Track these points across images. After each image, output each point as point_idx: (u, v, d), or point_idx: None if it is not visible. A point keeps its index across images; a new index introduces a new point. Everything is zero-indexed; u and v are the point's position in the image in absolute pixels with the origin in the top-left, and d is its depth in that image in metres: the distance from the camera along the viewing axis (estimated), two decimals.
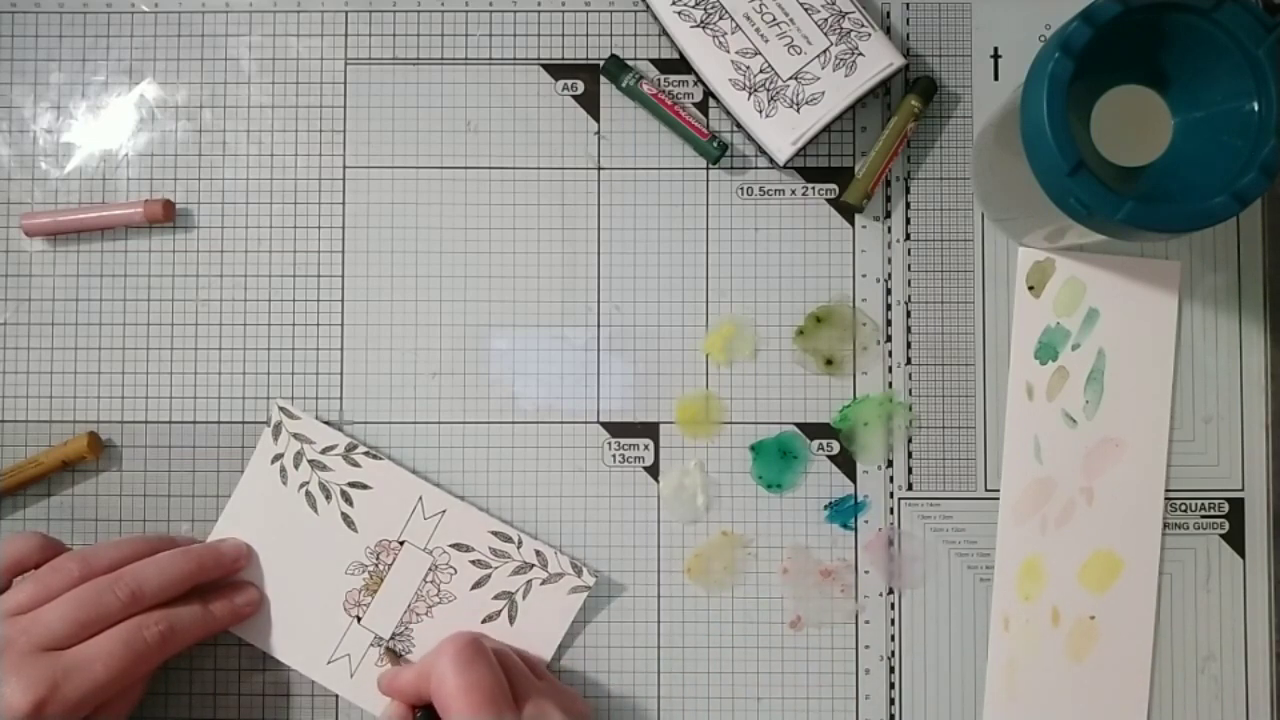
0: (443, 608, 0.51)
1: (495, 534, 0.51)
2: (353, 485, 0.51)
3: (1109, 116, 0.45)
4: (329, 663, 0.51)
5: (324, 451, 0.51)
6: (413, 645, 0.51)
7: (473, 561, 0.51)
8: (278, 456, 0.51)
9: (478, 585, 0.51)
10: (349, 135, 0.53)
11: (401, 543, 0.51)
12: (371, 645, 0.51)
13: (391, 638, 0.51)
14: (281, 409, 0.51)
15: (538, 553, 0.51)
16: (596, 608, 0.52)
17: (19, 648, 0.43)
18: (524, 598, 0.51)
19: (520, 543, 0.51)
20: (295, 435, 0.51)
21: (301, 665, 0.51)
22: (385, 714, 0.48)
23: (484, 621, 0.51)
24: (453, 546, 0.51)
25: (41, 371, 0.52)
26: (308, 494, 0.51)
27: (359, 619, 0.51)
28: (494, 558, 0.51)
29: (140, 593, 0.46)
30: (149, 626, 0.46)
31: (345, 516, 0.51)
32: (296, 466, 0.51)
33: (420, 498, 0.51)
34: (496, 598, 0.51)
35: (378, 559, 0.51)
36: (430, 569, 0.51)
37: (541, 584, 0.51)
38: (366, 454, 0.51)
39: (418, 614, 0.51)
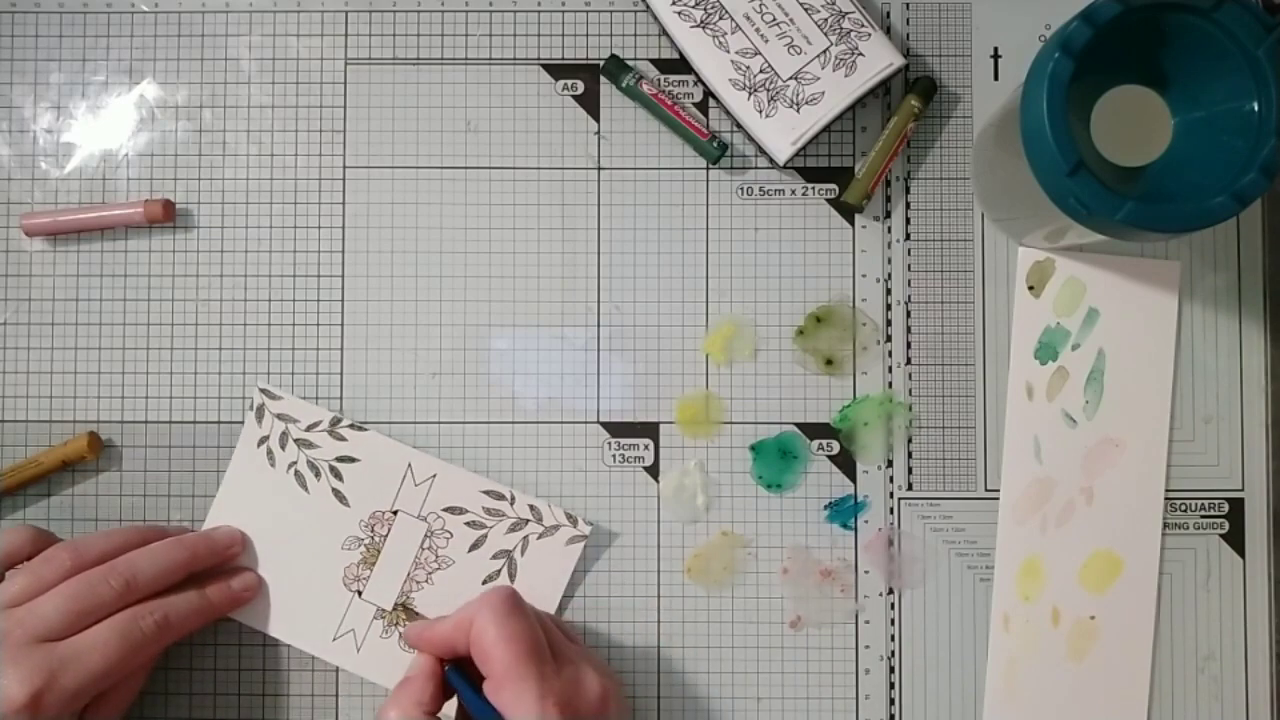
0: (442, 573, 0.51)
1: (487, 493, 0.51)
2: (341, 460, 0.51)
3: (1109, 116, 0.45)
4: (334, 640, 0.51)
5: (309, 429, 0.51)
6: (415, 616, 0.51)
7: (467, 523, 0.51)
8: (263, 439, 0.51)
9: (475, 546, 0.51)
10: (349, 135, 0.53)
11: (395, 512, 0.51)
12: (375, 618, 0.51)
13: (394, 608, 0.51)
14: (263, 390, 0.52)
15: (531, 507, 0.51)
16: (596, 607, 0.52)
17: (14, 639, 0.43)
18: (522, 554, 0.51)
19: (513, 499, 0.51)
20: (279, 416, 0.51)
21: (307, 645, 0.51)
22: (413, 667, 0.47)
23: (484, 582, 0.51)
24: (446, 510, 0.51)
25: (41, 371, 0.52)
26: (296, 474, 0.51)
27: (360, 593, 0.51)
28: (488, 517, 0.51)
29: (134, 582, 0.46)
30: (144, 617, 0.46)
31: (336, 492, 0.51)
32: (283, 447, 0.51)
33: (409, 464, 0.51)
34: (495, 557, 0.51)
35: (372, 531, 0.51)
36: (426, 535, 0.51)
37: (538, 538, 0.51)
38: (351, 426, 0.51)
39: (418, 582, 0.51)
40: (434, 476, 0.51)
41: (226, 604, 0.49)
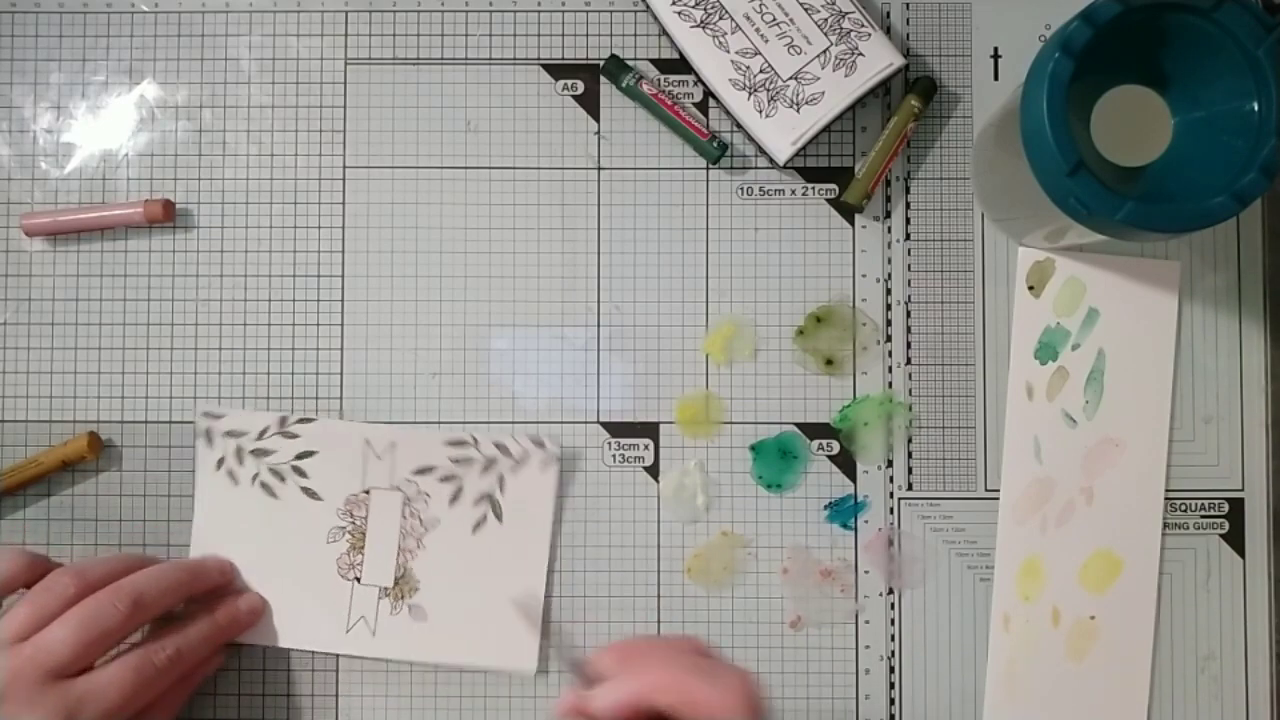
0: (431, 535, 0.51)
1: (451, 444, 0.51)
2: (300, 457, 0.51)
3: (1109, 116, 0.45)
4: (348, 632, 0.51)
5: (260, 437, 0.51)
6: (418, 584, 0.51)
7: (440, 480, 0.51)
8: (220, 461, 0.51)
9: (455, 499, 0.51)
10: (349, 135, 0.53)
11: (367, 491, 0.51)
12: (381, 598, 0.51)
13: (395, 583, 0.51)
14: (205, 413, 0.51)
15: (497, 444, 0.51)
16: (597, 607, 0.52)
17: (28, 679, 0.42)
18: (502, 492, 0.51)
19: (477, 442, 0.51)
20: (227, 433, 0.51)
21: (323, 645, 0.51)
22: None
23: (474, 531, 0.51)
24: (416, 473, 0.51)
25: (41, 371, 0.52)
26: (262, 485, 0.51)
27: (358, 579, 0.51)
28: (458, 466, 0.51)
29: (141, 602, 0.45)
30: (157, 652, 0.45)
31: (305, 490, 0.51)
32: (241, 463, 0.51)
33: (366, 440, 0.51)
34: (477, 503, 0.51)
35: (351, 516, 0.51)
36: (404, 503, 0.51)
37: (513, 472, 0.51)
38: (300, 420, 0.51)
39: (410, 551, 0.51)
40: (394, 445, 0.51)
41: (234, 627, 0.49)
